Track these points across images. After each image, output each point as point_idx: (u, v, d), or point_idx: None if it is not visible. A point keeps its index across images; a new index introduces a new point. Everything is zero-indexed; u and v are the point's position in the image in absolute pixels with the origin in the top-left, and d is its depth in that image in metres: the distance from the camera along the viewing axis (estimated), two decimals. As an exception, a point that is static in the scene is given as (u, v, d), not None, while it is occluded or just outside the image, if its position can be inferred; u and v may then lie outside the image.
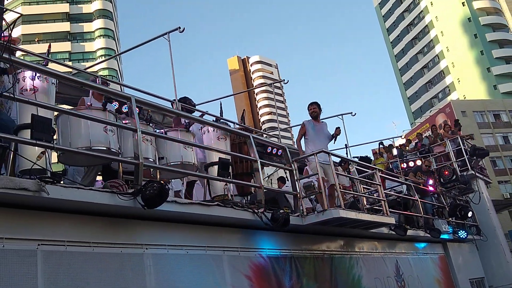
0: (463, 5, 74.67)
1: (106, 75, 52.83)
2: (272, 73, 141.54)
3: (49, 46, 6.56)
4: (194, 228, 6.37)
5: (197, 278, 6.11)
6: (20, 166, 4.90)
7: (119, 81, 55.15)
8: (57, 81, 5.43)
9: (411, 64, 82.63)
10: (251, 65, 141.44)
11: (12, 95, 4.41)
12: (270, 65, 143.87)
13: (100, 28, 64.69)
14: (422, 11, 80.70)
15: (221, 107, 7.92)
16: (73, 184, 5.18)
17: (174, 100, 7.15)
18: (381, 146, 16.12)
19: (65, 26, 62.20)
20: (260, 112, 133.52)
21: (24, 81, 5.12)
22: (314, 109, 8.64)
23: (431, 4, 78.45)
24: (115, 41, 66.09)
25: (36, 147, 4.81)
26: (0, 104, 5.17)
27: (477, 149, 14.43)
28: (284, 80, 8.14)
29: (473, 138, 17.19)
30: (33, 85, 5.12)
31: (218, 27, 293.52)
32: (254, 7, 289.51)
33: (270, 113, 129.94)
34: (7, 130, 4.79)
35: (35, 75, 5.11)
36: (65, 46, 60.92)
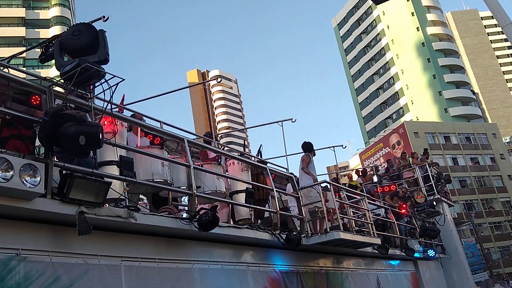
0: (418, 30, 77.77)
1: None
2: (231, 88, 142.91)
3: (123, 97, 7.27)
4: (227, 246, 7.56)
5: (229, 288, 7.29)
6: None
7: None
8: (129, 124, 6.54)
9: (367, 85, 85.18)
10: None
11: (113, 142, 5.50)
12: (229, 80, 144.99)
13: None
14: (379, 33, 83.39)
15: (260, 150, 9.16)
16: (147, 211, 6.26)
17: (209, 138, 8.30)
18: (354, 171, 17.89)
19: (20, 31, 59.59)
20: (219, 126, 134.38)
21: (104, 125, 6.19)
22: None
23: (388, 28, 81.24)
24: (72, 49, 65.06)
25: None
26: None
27: (441, 176, 16.19)
28: (292, 118, 9.38)
29: (439, 164, 19.00)
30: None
31: (178, 40, 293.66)
32: (213, 23, 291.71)
33: (228, 127, 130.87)
34: (91, 166, 5.84)
35: (115, 120, 6.20)
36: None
